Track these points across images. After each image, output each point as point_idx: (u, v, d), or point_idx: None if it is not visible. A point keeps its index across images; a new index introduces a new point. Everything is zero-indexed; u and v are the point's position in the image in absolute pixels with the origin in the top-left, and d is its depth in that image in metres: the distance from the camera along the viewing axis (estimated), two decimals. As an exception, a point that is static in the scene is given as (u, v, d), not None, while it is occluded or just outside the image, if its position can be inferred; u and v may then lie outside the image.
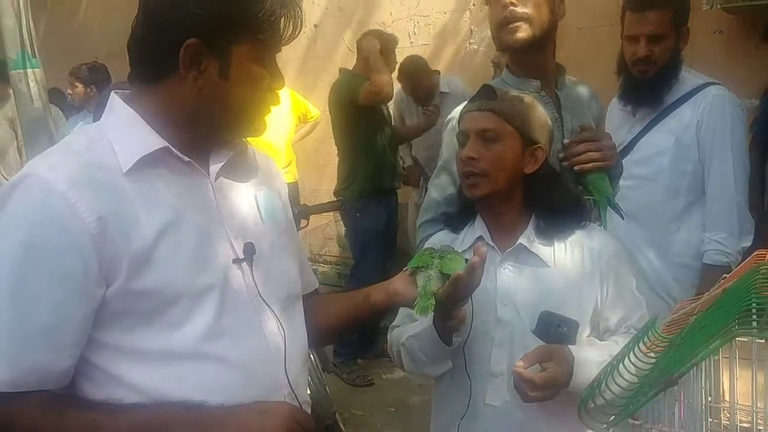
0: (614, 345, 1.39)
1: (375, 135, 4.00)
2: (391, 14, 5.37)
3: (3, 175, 4.12)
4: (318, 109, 4.99)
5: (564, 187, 1.55)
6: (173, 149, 1.06)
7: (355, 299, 1.34)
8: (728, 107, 2.22)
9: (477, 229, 1.53)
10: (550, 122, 1.54)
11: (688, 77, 2.28)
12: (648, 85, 2.24)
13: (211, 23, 1.02)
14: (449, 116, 1.93)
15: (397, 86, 4.36)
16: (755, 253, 1.26)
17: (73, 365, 1.01)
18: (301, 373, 1.18)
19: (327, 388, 3.03)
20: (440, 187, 1.73)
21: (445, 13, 5.15)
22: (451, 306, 1.28)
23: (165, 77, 1.06)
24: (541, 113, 1.51)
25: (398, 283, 1.29)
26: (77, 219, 0.97)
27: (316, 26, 5.81)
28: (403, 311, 1.54)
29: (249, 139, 1.23)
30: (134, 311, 1.01)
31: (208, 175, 1.11)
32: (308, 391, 2.65)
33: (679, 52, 2.23)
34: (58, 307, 0.98)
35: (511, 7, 1.63)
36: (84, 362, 1.02)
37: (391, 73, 4.10)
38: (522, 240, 1.48)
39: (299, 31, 1.11)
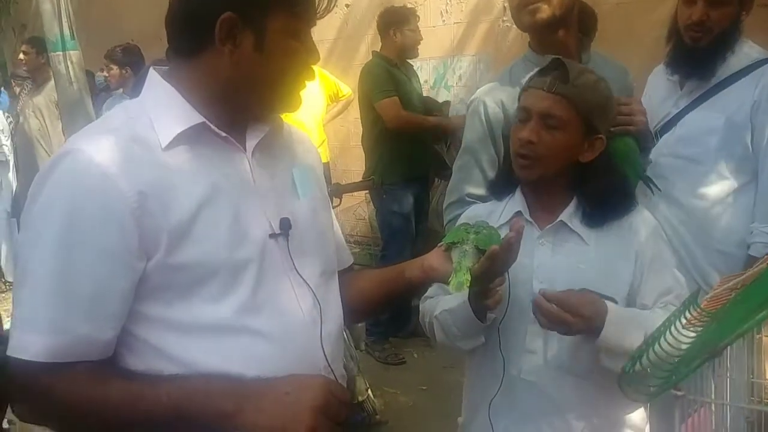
0: (650, 314, 1.38)
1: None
2: (424, -8, 5.31)
3: (49, 156, 4.22)
4: (350, 88, 4.99)
5: (616, 176, 1.52)
6: (210, 125, 1.07)
7: (390, 275, 1.35)
8: None
9: (516, 203, 1.52)
10: (614, 107, 1.49)
11: (747, 50, 2.07)
12: (700, 55, 2.04)
13: None
14: (472, 97, 1.92)
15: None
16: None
17: (116, 336, 1.04)
18: (336, 348, 1.19)
19: (360, 366, 3.07)
20: (464, 169, 1.71)
21: (477, -10, 5.08)
22: (487, 281, 1.28)
23: (201, 52, 1.07)
24: (609, 100, 1.46)
25: (433, 258, 1.29)
26: (117, 193, 0.99)
27: (347, 6, 5.78)
28: (436, 283, 1.54)
29: (291, 121, 1.23)
30: (174, 284, 1.03)
31: (245, 150, 1.12)
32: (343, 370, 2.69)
33: (739, 22, 2.03)
34: (100, 279, 1.00)
35: None
36: (126, 334, 1.05)
37: (416, 45, 4.09)
38: (563, 217, 1.46)
39: (334, 5, 1.11)
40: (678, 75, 2.14)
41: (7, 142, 5.52)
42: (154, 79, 1.11)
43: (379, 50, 4.10)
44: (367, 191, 4.65)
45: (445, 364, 3.71)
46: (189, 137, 1.06)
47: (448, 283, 1.24)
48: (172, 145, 1.05)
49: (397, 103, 3.87)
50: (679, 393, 0.81)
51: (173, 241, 1.02)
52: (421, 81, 4.59)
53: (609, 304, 1.36)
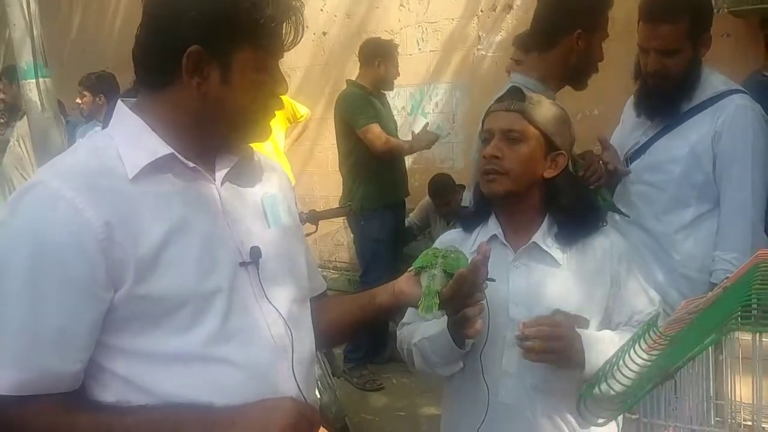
0: (622, 333, 1.40)
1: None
2: (399, 21, 5.39)
3: None
4: (319, 113, 5.02)
5: (581, 193, 1.56)
6: (178, 156, 1.07)
7: (361, 300, 1.36)
8: (750, 119, 2.05)
9: (491, 227, 1.55)
10: (573, 131, 1.55)
11: (712, 81, 2.12)
12: (662, 97, 2.12)
13: (212, 30, 1.04)
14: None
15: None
16: (758, 251, 1.27)
17: (83, 368, 1.03)
18: (308, 375, 1.19)
19: (337, 392, 3.05)
20: None
21: (453, 19, 5.17)
22: (455, 304, 1.29)
23: (169, 84, 1.08)
24: (566, 120, 1.53)
25: (403, 283, 1.30)
26: (85, 224, 0.99)
27: (324, 33, 5.85)
28: (411, 309, 1.56)
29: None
30: (142, 315, 1.03)
31: (214, 180, 1.13)
32: (317, 394, 2.66)
33: (697, 63, 2.09)
34: (67, 311, 1.00)
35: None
36: (94, 365, 1.04)
37: (395, 78, 4.15)
38: (535, 239, 1.49)
39: (301, 38, 1.12)
40: (643, 114, 2.20)
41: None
42: (121, 110, 1.12)
43: (355, 79, 4.15)
44: (344, 217, 4.67)
45: (423, 390, 3.70)
46: (157, 168, 1.06)
47: (416, 307, 1.25)
48: (139, 176, 1.05)
49: (380, 129, 3.91)
50: (633, 416, 0.83)
51: (141, 273, 1.01)
52: (399, 108, 4.66)
53: (584, 336, 1.39)
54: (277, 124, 4.85)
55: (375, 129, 3.89)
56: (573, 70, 2.07)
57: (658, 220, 2.13)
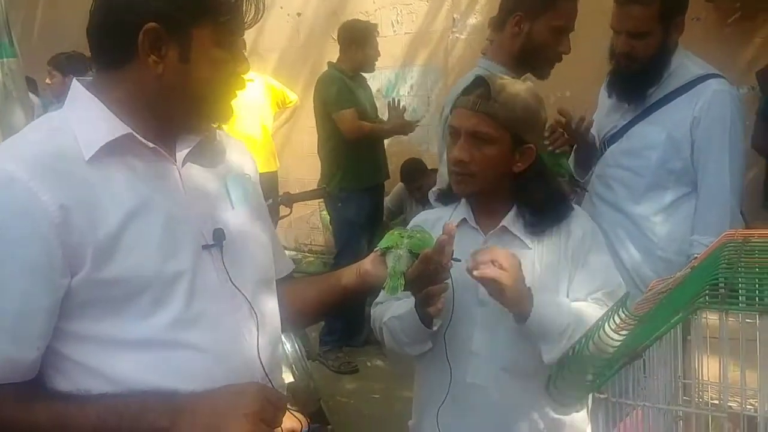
0: (577, 305, 1.44)
1: None
2: (374, 2, 5.36)
3: None
4: (297, 95, 4.98)
5: (551, 183, 1.56)
6: (137, 135, 1.04)
7: (327, 282, 1.35)
8: (729, 104, 2.06)
9: (462, 210, 1.56)
10: (543, 115, 1.53)
11: (688, 66, 2.12)
12: (633, 79, 2.13)
13: (170, 6, 1.01)
14: (452, 95, 2.00)
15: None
16: (725, 233, 1.29)
17: (40, 356, 1.00)
18: (274, 357, 1.18)
19: (312, 376, 3.05)
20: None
21: (427, 1, 5.15)
22: (422, 284, 1.30)
23: (126, 63, 1.04)
24: (535, 110, 1.50)
25: (369, 263, 1.30)
26: (39, 208, 0.96)
27: (299, 14, 5.78)
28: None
29: (228, 129, 1.22)
30: (101, 300, 1.00)
31: (175, 161, 1.10)
32: (292, 377, 2.66)
33: (667, 47, 2.09)
34: (22, 297, 0.97)
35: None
36: (52, 353, 1.01)
37: (375, 60, 4.12)
38: (504, 222, 1.51)
39: (261, 15, 1.10)
40: (615, 95, 2.22)
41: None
42: (77, 90, 1.08)
43: (336, 61, 4.11)
44: (321, 200, 4.65)
45: (398, 373, 3.71)
46: (115, 149, 1.03)
47: (383, 288, 1.25)
48: (96, 157, 1.02)
49: (353, 115, 3.90)
50: (602, 396, 0.84)
51: (100, 256, 0.99)
52: (374, 90, 4.62)
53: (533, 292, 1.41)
54: (268, 108, 4.79)
55: (348, 115, 3.88)
56: (522, 55, 2.06)
57: (636, 203, 2.15)
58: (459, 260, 1.33)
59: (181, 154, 1.11)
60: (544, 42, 2.04)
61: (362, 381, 3.85)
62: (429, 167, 4.44)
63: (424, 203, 4.26)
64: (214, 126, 1.19)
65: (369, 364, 4.00)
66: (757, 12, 3.81)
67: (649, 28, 2.04)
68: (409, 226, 1.48)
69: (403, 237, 1.30)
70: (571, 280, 1.50)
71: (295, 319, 1.31)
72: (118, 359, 1.01)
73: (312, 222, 5.93)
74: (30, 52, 3.72)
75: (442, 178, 2.03)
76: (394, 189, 4.63)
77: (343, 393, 3.67)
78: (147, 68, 1.03)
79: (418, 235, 1.31)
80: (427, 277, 1.28)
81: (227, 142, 1.24)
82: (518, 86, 1.51)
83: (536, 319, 1.38)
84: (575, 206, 1.61)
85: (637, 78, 2.12)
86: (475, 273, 1.34)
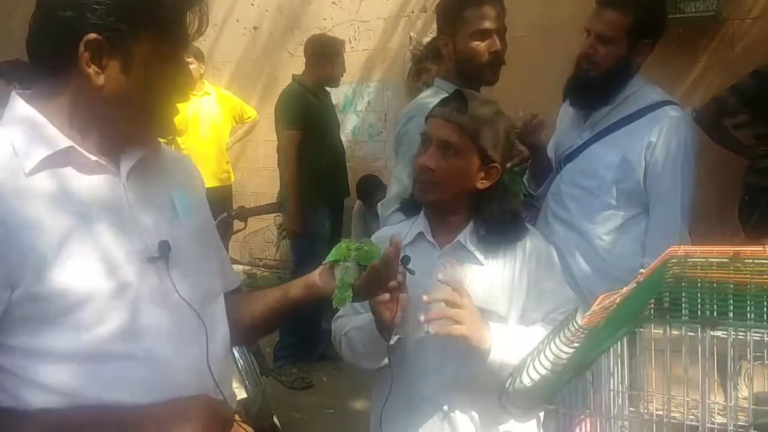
0: (532, 329, 1.47)
1: (320, 148, 3.94)
2: (332, 19, 5.39)
3: None
4: (255, 111, 4.96)
5: (509, 203, 1.59)
6: (78, 148, 1.03)
7: (275, 294, 1.35)
8: (684, 132, 2.11)
9: (420, 225, 1.58)
10: (512, 139, 1.58)
11: (646, 92, 2.18)
12: (587, 85, 2.17)
13: (111, 17, 1.00)
14: (407, 111, 2.11)
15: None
16: (669, 248, 1.34)
17: None
18: (224, 368, 1.18)
19: (265, 391, 3.01)
20: (411, 179, 1.75)
21: (384, 19, 5.21)
22: (369, 296, 1.32)
23: (66, 75, 1.03)
24: (505, 131, 1.53)
25: (317, 276, 1.30)
26: None
27: (255, 28, 5.77)
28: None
29: (183, 142, 1.20)
30: (42, 314, 0.98)
31: (119, 174, 1.09)
32: (245, 393, 2.62)
33: (629, 63, 2.13)
34: None
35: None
36: None
37: (341, 76, 4.13)
38: (459, 238, 1.53)
39: (206, 28, 1.10)
40: (569, 100, 2.27)
41: None
42: (16, 103, 1.05)
43: (300, 74, 4.06)
44: (276, 214, 4.61)
45: (353, 388, 3.70)
46: (56, 162, 1.02)
47: (331, 300, 1.27)
48: (36, 170, 1.00)
49: (293, 139, 3.83)
50: (552, 407, 0.86)
51: (39, 270, 0.97)
52: (331, 105, 4.63)
53: (491, 324, 1.43)
54: (225, 121, 4.74)
55: (289, 136, 3.83)
56: (463, 70, 2.13)
57: (589, 222, 2.18)
58: (413, 272, 1.34)
59: (126, 167, 1.09)
60: (471, 51, 2.10)
61: (316, 396, 3.82)
62: (386, 182, 4.45)
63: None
64: (159, 139, 1.18)
65: (324, 379, 3.97)
66: (697, 37, 3.99)
67: (615, 34, 2.09)
68: (371, 239, 1.49)
69: (350, 249, 1.31)
70: (527, 301, 1.52)
71: (244, 333, 1.31)
72: (60, 372, 0.99)
73: (267, 236, 5.88)
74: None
75: (391, 192, 2.06)
76: (354, 209, 4.60)
77: (298, 409, 3.63)
78: (88, 80, 1.02)
79: (365, 247, 1.33)
80: (374, 288, 1.29)
81: (172, 156, 1.23)
82: (494, 107, 1.54)
83: (497, 357, 1.39)
84: (530, 227, 1.64)
85: (592, 86, 2.16)
86: (432, 331, 1.37)
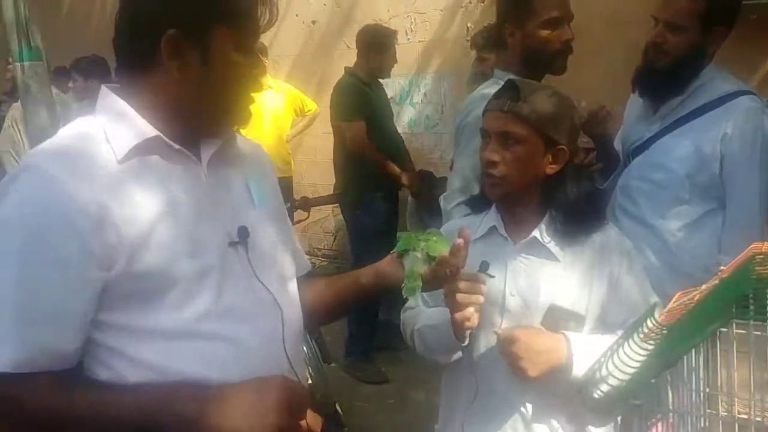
0: (615, 338, 1.41)
1: (377, 138, 3.93)
2: (389, 11, 5.39)
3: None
4: (315, 103, 5.01)
5: (584, 187, 1.55)
6: (164, 137, 1.09)
7: (345, 281, 1.39)
8: (761, 122, 2.01)
9: (491, 219, 1.56)
10: (575, 119, 1.53)
11: (720, 81, 2.09)
12: (657, 75, 2.09)
13: (187, 13, 1.06)
14: (467, 104, 2.08)
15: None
16: (752, 245, 1.30)
17: (80, 346, 1.05)
18: (298, 351, 1.23)
19: (327, 378, 3.07)
20: (474, 172, 1.78)
21: (441, 10, 5.18)
22: (437, 286, 1.34)
23: (150, 68, 1.09)
24: (566, 112, 1.50)
25: (386, 265, 1.33)
26: (77, 206, 1.01)
27: (314, 22, 5.82)
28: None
29: (246, 134, 1.26)
30: (136, 293, 1.05)
31: (200, 162, 1.15)
32: (308, 374, 2.68)
33: (701, 51, 2.04)
34: (63, 290, 1.02)
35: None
36: (91, 342, 1.06)
37: (392, 66, 4.11)
38: (535, 233, 1.50)
39: (276, 19, 1.14)
40: (638, 90, 2.20)
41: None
42: (106, 96, 1.13)
43: (353, 66, 4.06)
44: (335, 205, 4.65)
45: (414, 378, 3.74)
46: (144, 150, 1.08)
47: (400, 289, 1.28)
48: (127, 158, 1.07)
49: (362, 129, 3.85)
50: (636, 402, 0.86)
51: (133, 252, 1.03)
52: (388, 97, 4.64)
53: (570, 335, 1.41)
54: (287, 114, 4.80)
55: (354, 127, 3.85)
56: (529, 60, 2.08)
57: (660, 217, 2.10)
58: (493, 276, 1.35)
59: (206, 155, 1.15)
60: (541, 41, 2.06)
61: (377, 386, 3.86)
62: (440, 176, 4.44)
63: (439, 212, 4.24)
64: (235, 129, 1.23)
65: (383, 369, 4.00)
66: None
67: (686, 22, 2.01)
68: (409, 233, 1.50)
69: (419, 240, 1.32)
70: (607, 301, 1.48)
71: (312, 317, 1.34)
72: (152, 349, 1.06)
73: (325, 227, 5.96)
74: (51, 56, 3.76)
75: (453, 186, 2.05)
76: (408, 205, 4.56)
77: (358, 397, 3.68)
78: (170, 73, 1.08)
79: (434, 238, 1.34)
80: (442, 279, 1.31)
81: (246, 144, 1.29)
82: (548, 90, 1.52)
83: (580, 370, 1.35)
84: (609, 223, 1.59)
85: (663, 76, 2.08)
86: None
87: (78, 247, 1.01)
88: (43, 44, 3.20)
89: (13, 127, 4.14)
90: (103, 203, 1.02)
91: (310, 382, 2.82)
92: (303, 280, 1.36)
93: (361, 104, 3.91)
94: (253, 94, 1.17)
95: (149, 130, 1.09)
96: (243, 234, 1.14)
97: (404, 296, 1.28)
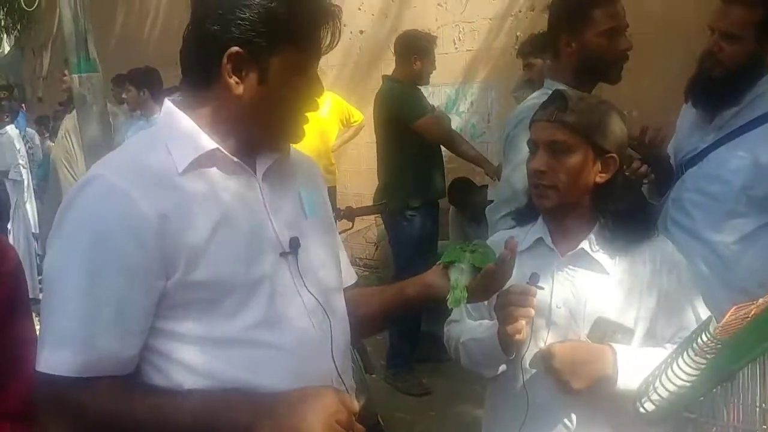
0: (664, 351, 1.36)
1: (421, 146, 3.90)
2: (437, 20, 5.40)
3: (74, 177, 4.24)
4: (361, 114, 5.03)
5: (634, 196, 1.53)
6: (223, 150, 1.13)
7: (390, 292, 1.39)
8: None
9: (538, 230, 1.54)
10: (624, 128, 1.51)
11: None
12: (711, 85, 2.04)
13: (251, 32, 1.08)
14: (515, 114, 2.05)
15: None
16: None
17: (138, 353, 1.09)
18: (345, 360, 1.24)
19: (370, 389, 3.06)
20: (522, 183, 1.75)
21: (490, 19, 5.16)
22: (483, 298, 1.34)
23: (211, 84, 1.12)
24: (615, 120, 1.48)
25: (431, 276, 1.33)
26: (141, 216, 1.05)
27: (361, 32, 5.88)
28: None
29: (301, 145, 1.27)
30: (193, 301, 1.08)
31: (256, 174, 1.17)
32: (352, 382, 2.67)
33: (758, 61, 2.00)
34: (124, 298, 1.05)
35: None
36: (148, 349, 1.10)
37: (431, 73, 4.06)
38: (583, 245, 1.47)
39: (338, 41, 1.16)
40: (692, 100, 2.14)
41: (22, 162, 5.63)
42: (169, 108, 1.17)
43: (392, 73, 4.03)
44: (377, 215, 4.66)
45: (454, 390, 3.70)
46: (203, 162, 1.12)
47: (446, 300, 1.28)
48: (187, 170, 1.11)
49: (436, 119, 3.83)
50: (691, 415, 0.83)
51: (192, 260, 1.07)
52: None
53: (617, 346, 1.38)
54: (333, 124, 4.85)
55: (432, 120, 3.83)
56: (584, 69, 2.05)
57: (714, 231, 2.03)
58: (542, 288, 1.34)
59: (261, 168, 1.18)
60: (598, 50, 2.02)
61: (418, 398, 3.83)
62: (479, 185, 4.40)
63: (479, 221, 4.21)
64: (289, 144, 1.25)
65: (424, 381, 3.98)
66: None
67: (742, 32, 1.96)
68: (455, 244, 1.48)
69: (465, 251, 1.32)
70: (657, 315, 1.45)
71: (356, 328, 1.35)
72: (206, 356, 1.09)
73: (368, 237, 5.98)
74: (107, 68, 3.89)
75: (500, 197, 2.03)
76: (450, 214, 4.49)
77: (400, 409, 3.65)
78: (229, 90, 1.11)
79: (480, 249, 1.33)
80: (488, 290, 1.31)
81: (298, 155, 1.31)
82: (595, 98, 1.50)
83: (627, 384, 1.33)
84: (661, 236, 1.55)
85: (718, 85, 2.03)
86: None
87: (141, 256, 1.05)
88: (98, 57, 3.32)
89: (66, 138, 4.29)
90: (165, 213, 1.06)
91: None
92: (349, 290, 1.37)
93: (422, 102, 3.89)
94: (308, 114, 1.19)
95: (209, 143, 1.12)
96: (294, 244, 1.16)
97: (450, 307, 1.28)
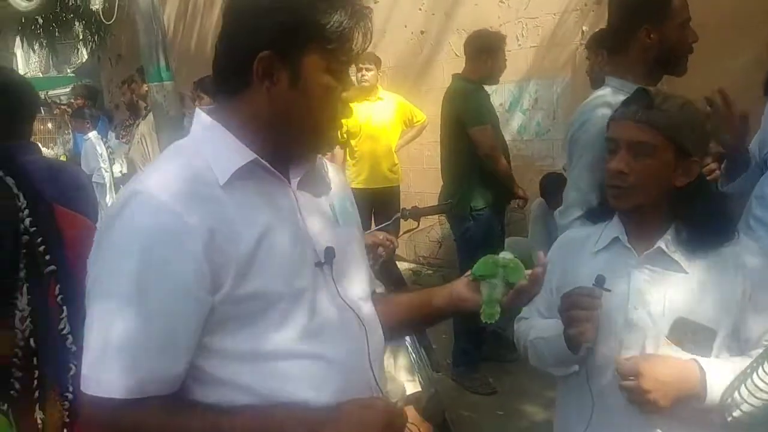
0: (749, 361, 1.32)
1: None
2: (499, 17, 5.36)
3: None
4: (423, 114, 5.05)
5: (714, 201, 1.48)
6: (261, 160, 1.11)
7: (418, 301, 1.37)
8: None
9: (614, 229, 1.51)
10: (708, 130, 1.47)
11: None
12: None
13: (281, 35, 1.06)
14: (580, 114, 2.00)
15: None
16: None
17: (186, 370, 1.06)
18: (381, 367, 1.24)
19: (437, 387, 3.08)
20: (590, 185, 1.74)
21: (554, 14, 5.08)
22: (514, 310, 1.32)
23: (243, 89, 1.10)
24: (700, 123, 1.43)
25: (462, 289, 1.30)
26: (188, 231, 1.02)
27: (422, 32, 5.89)
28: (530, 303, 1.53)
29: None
30: (238, 315, 1.07)
31: (289, 184, 1.16)
32: (419, 387, 2.68)
33: None
34: (175, 316, 1.03)
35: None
36: (192, 366, 1.07)
37: (502, 72, 4.02)
38: (660, 244, 1.44)
39: (369, 42, 1.13)
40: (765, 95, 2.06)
41: (104, 165, 5.91)
42: (202, 118, 1.15)
43: (462, 72, 4.00)
44: (441, 215, 4.65)
45: (521, 390, 3.68)
46: (243, 174, 1.09)
47: (478, 314, 1.27)
48: (229, 181, 1.08)
49: (491, 132, 3.81)
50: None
51: (239, 273, 1.05)
52: (496, 104, 4.59)
53: (702, 360, 1.34)
54: (397, 124, 4.88)
55: (488, 131, 3.80)
56: (659, 61, 2.00)
57: None
58: (609, 290, 1.32)
59: (296, 177, 1.17)
60: (677, 41, 1.98)
61: (485, 397, 3.82)
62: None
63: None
64: (322, 153, 1.25)
65: (490, 380, 3.96)
66: None
67: None
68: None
69: (497, 266, 1.29)
70: (740, 317, 1.39)
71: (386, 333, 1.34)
72: (252, 370, 1.08)
73: (431, 236, 5.99)
74: (179, 75, 4.04)
75: (568, 200, 1.99)
76: (534, 207, 4.39)
77: (467, 407, 3.65)
78: (261, 94, 1.09)
79: (512, 264, 1.30)
80: (520, 306, 1.30)
81: (328, 167, 1.30)
82: (680, 98, 1.45)
83: (716, 397, 1.29)
84: (743, 236, 1.49)
85: None
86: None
87: (190, 272, 1.02)
88: (174, 65, 3.45)
89: (141, 142, 4.46)
90: (210, 227, 1.03)
91: (419, 390, 2.84)
92: (374, 297, 1.36)
93: (486, 108, 3.87)
94: (342, 120, 1.17)
95: (248, 154, 1.10)
96: (329, 254, 1.15)
97: (484, 321, 1.27)
